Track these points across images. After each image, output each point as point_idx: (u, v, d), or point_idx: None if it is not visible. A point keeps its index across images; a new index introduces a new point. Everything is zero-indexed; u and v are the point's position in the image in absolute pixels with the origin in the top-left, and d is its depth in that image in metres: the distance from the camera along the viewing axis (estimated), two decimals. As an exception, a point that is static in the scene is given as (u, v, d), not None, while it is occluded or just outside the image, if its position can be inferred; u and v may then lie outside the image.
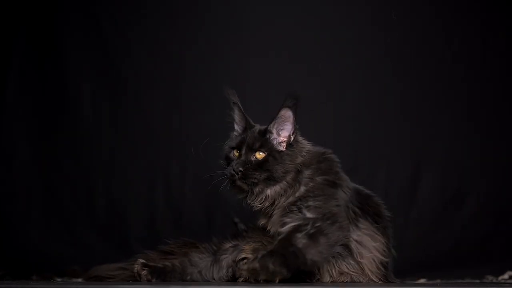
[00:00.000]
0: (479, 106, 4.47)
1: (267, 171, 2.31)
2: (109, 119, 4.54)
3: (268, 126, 2.41)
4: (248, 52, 4.54)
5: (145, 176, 4.47)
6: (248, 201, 2.43)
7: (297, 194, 2.35)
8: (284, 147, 2.38)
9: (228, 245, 2.72)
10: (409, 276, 3.67)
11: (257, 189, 2.33)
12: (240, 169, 2.32)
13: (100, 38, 4.54)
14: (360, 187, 2.73)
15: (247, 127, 2.46)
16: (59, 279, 3.12)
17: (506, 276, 3.52)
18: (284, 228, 2.27)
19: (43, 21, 4.54)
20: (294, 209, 2.33)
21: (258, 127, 2.48)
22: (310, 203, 2.32)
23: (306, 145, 2.50)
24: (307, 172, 2.41)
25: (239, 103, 2.57)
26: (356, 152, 4.45)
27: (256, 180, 2.31)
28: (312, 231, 2.19)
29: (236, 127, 2.59)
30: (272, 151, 2.34)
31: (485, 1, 4.53)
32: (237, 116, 2.55)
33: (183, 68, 4.56)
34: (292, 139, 2.40)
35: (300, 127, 2.62)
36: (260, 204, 2.39)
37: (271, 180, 2.33)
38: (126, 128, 4.54)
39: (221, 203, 4.34)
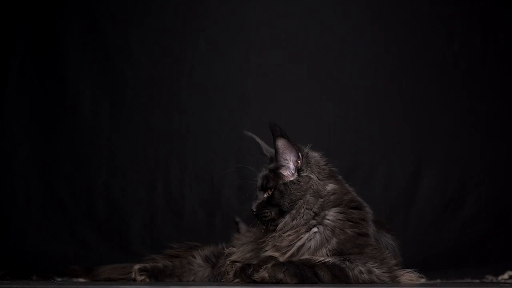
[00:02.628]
0: (479, 106, 4.48)
1: (276, 206, 2.36)
2: (109, 119, 4.54)
3: (274, 162, 2.40)
4: (248, 51, 4.55)
5: (145, 176, 4.48)
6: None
7: (329, 246, 2.33)
8: (295, 175, 2.37)
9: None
10: None
11: (271, 226, 2.38)
12: (253, 208, 2.38)
13: (100, 38, 4.55)
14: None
15: (267, 164, 2.45)
16: (59, 279, 3.11)
17: (506, 276, 3.51)
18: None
19: (43, 21, 4.55)
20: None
21: (268, 166, 2.45)
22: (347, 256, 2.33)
23: (322, 162, 2.47)
24: (333, 215, 2.39)
25: (259, 144, 2.54)
26: (356, 152, 4.46)
27: (268, 218, 2.35)
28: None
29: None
30: (277, 186, 2.35)
31: (485, 1, 4.53)
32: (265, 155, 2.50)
33: (183, 68, 4.56)
34: (299, 163, 2.38)
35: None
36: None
37: (281, 212, 2.36)
38: (126, 128, 4.55)
39: (221, 203, 4.36)
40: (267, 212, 2.35)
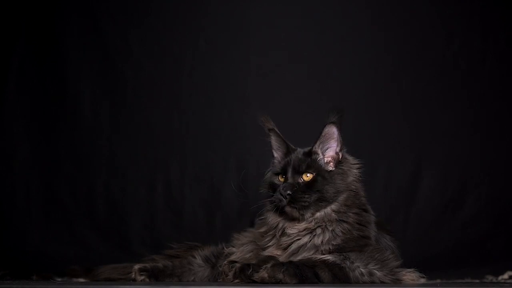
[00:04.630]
0: (479, 106, 4.48)
1: (317, 192, 2.22)
2: (109, 119, 4.55)
3: (312, 146, 2.31)
4: (248, 51, 4.56)
5: (145, 176, 4.48)
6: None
7: (334, 242, 2.27)
8: (333, 167, 2.30)
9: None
10: None
11: (308, 214, 2.25)
12: (289, 192, 2.20)
13: (100, 38, 4.56)
14: None
15: (289, 151, 2.34)
16: (59, 279, 3.11)
17: (506, 276, 3.51)
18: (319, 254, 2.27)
19: (43, 21, 4.55)
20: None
21: (301, 150, 2.37)
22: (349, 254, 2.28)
23: (356, 163, 2.42)
24: (351, 216, 2.33)
25: (275, 129, 2.42)
26: (356, 152, 4.39)
27: (306, 203, 2.21)
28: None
29: (275, 154, 2.43)
30: (320, 171, 2.25)
31: (485, 1, 4.53)
32: (275, 142, 2.40)
33: (184, 68, 4.57)
34: (340, 156, 2.32)
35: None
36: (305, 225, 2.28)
37: (322, 201, 2.24)
38: (126, 128, 4.55)
39: (221, 203, 4.37)
40: (307, 197, 2.20)
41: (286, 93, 4.51)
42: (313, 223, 2.26)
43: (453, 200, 4.38)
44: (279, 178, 2.29)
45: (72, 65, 4.52)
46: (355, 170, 2.34)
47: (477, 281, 3.44)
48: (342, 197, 2.27)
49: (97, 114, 4.53)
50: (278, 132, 2.40)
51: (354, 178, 2.33)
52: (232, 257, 2.58)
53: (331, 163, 2.29)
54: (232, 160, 4.41)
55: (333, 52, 4.55)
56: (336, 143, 2.30)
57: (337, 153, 2.30)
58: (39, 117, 4.53)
